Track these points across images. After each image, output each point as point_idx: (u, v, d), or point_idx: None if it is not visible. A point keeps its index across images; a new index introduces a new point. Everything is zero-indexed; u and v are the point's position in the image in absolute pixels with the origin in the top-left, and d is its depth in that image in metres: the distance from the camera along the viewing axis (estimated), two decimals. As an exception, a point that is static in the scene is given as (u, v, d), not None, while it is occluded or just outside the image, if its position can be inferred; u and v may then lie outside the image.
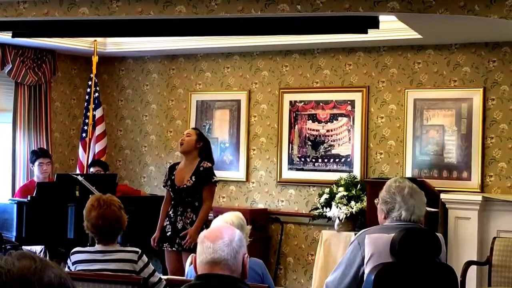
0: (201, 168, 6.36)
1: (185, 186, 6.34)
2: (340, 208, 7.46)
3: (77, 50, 9.07)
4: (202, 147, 6.46)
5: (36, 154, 8.02)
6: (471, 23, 6.24)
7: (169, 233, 6.38)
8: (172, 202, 6.43)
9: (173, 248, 6.34)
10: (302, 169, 8.29)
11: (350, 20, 6.11)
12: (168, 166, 6.87)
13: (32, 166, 8.04)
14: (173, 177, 6.44)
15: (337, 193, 7.58)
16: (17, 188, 8.43)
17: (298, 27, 6.53)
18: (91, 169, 8.34)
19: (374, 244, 3.85)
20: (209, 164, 6.41)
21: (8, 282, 1.54)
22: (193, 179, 6.32)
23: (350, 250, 3.99)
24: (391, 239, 3.80)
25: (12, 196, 8.21)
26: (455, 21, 6.18)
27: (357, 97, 8.03)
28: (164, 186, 6.61)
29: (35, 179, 7.93)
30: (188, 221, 6.32)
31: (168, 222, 6.40)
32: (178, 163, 6.59)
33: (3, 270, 1.55)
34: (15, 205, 7.21)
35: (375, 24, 6.14)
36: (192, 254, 5.00)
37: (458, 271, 6.01)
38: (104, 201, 4.30)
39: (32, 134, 8.81)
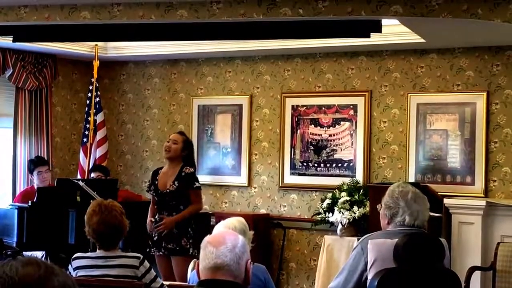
0: (183, 174, 6.43)
1: (168, 190, 6.41)
2: (342, 213, 7.42)
3: (78, 55, 9.04)
4: (186, 154, 6.51)
5: (34, 163, 7.98)
6: (475, 26, 6.20)
7: (156, 237, 6.43)
8: (156, 207, 6.49)
9: (160, 252, 6.39)
10: (305, 174, 8.26)
11: (352, 24, 6.08)
12: (151, 172, 6.88)
13: (31, 176, 8.01)
14: (156, 182, 6.51)
15: (339, 198, 7.55)
16: (17, 193, 8.39)
17: (300, 31, 6.50)
18: (92, 174, 8.31)
19: (378, 249, 3.82)
20: (191, 169, 6.50)
21: None
22: (176, 184, 6.40)
23: (353, 256, 3.96)
24: (394, 245, 3.76)
25: (13, 201, 8.18)
26: (459, 24, 6.15)
27: (359, 101, 8.00)
28: (147, 191, 6.70)
29: (35, 186, 7.88)
30: (174, 225, 6.36)
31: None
32: (161, 168, 6.67)
33: (6, 277, 1.52)
34: (15, 211, 7.18)
35: (377, 28, 6.11)
36: (194, 260, 4.99)
37: (462, 276, 5.98)
38: (105, 207, 4.28)
39: (33, 139, 8.78)
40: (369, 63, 8.01)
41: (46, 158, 8.52)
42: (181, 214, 6.37)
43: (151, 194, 6.59)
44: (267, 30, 6.54)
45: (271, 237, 8.45)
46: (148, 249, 6.46)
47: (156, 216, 6.48)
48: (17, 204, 7.56)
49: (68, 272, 4.27)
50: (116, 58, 9.29)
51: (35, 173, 7.88)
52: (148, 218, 6.56)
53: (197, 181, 6.50)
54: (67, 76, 9.43)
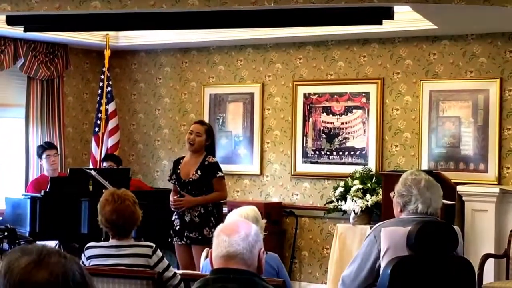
0: (206, 163, 6.40)
1: (191, 179, 6.37)
2: (355, 201, 7.40)
3: (89, 44, 9.04)
4: (209, 143, 6.49)
5: (42, 148, 8.02)
6: (487, 13, 6.16)
7: (178, 226, 6.40)
8: (178, 196, 6.44)
9: (182, 242, 6.36)
10: (317, 162, 8.24)
11: (364, 11, 6.05)
12: (173, 161, 6.83)
13: (40, 161, 8.04)
14: (178, 171, 6.48)
15: (352, 186, 7.53)
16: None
17: (312, 18, 6.47)
18: (104, 164, 8.32)
19: (390, 237, 3.81)
20: (214, 159, 6.47)
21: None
22: (199, 173, 6.36)
23: (366, 244, 3.95)
24: (407, 232, 3.75)
25: (25, 191, 8.21)
26: (471, 11, 6.11)
27: (372, 89, 7.97)
28: (169, 180, 6.66)
29: (45, 173, 7.92)
30: (196, 214, 6.34)
31: (176, 216, 6.43)
32: (182, 157, 6.64)
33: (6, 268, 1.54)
34: (28, 200, 7.20)
35: (389, 15, 6.08)
36: (207, 248, 4.98)
37: (475, 264, 5.95)
38: (118, 196, 4.27)
39: (45, 129, 8.79)
40: (381, 51, 7.97)
41: (58, 147, 8.52)
42: (203, 197, 6.34)
43: (172, 183, 6.55)
44: (278, 18, 6.52)
45: (284, 225, 8.45)
46: (170, 239, 6.45)
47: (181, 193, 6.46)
48: (29, 193, 7.58)
49: (81, 261, 4.28)
50: (127, 47, 9.28)
51: (43, 157, 7.90)
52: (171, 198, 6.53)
53: (220, 170, 6.45)
54: (79, 66, 9.43)
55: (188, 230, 6.35)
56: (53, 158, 7.92)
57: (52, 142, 8.52)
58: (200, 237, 6.28)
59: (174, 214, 6.45)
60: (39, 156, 8.00)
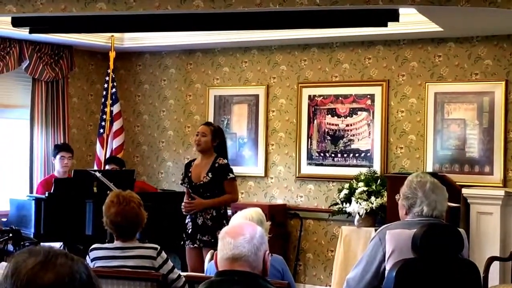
0: (217, 165, 6.36)
1: (202, 182, 6.34)
2: (360, 203, 7.39)
3: (94, 46, 9.05)
4: (218, 143, 6.45)
5: (58, 148, 8.06)
6: (493, 15, 6.15)
7: (190, 230, 6.38)
8: (190, 199, 6.42)
9: (195, 245, 6.34)
10: (322, 164, 8.23)
11: (369, 13, 6.05)
12: (184, 164, 6.82)
13: (53, 160, 8.06)
14: (189, 174, 6.45)
15: (357, 188, 7.52)
16: (35, 184, 8.44)
17: (317, 20, 6.47)
18: (107, 166, 8.31)
19: (396, 240, 3.80)
20: (225, 161, 6.42)
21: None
22: (210, 175, 6.33)
23: (371, 246, 3.94)
24: (412, 235, 3.74)
25: (32, 191, 8.22)
26: (477, 13, 6.11)
27: (377, 91, 7.96)
28: (181, 184, 6.62)
29: (55, 173, 7.94)
30: (209, 217, 6.32)
31: (188, 219, 6.40)
32: (194, 160, 6.61)
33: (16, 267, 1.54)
34: (33, 202, 7.20)
35: (395, 17, 6.07)
36: (211, 251, 4.98)
37: (481, 266, 5.93)
38: (123, 198, 4.27)
39: (50, 130, 8.80)
40: (386, 53, 7.97)
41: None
42: (213, 200, 6.32)
43: (185, 187, 6.53)
44: (283, 20, 6.51)
45: (288, 227, 8.44)
46: (182, 242, 6.43)
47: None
48: (34, 195, 7.59)
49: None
50: (133, 48, 9.29)
51: (58, 157, 7.91)
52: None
53: (232, 171, 6.42)
54: (84, 67, 9.44)
55: (200, 233, 6.32)
56: (66, 160, 7.94)
57: (68, 144, 8.52)
58: (212, 240, 6.23)
59: (187, 217, 6.43)
60: (54, 155, 8.02)
